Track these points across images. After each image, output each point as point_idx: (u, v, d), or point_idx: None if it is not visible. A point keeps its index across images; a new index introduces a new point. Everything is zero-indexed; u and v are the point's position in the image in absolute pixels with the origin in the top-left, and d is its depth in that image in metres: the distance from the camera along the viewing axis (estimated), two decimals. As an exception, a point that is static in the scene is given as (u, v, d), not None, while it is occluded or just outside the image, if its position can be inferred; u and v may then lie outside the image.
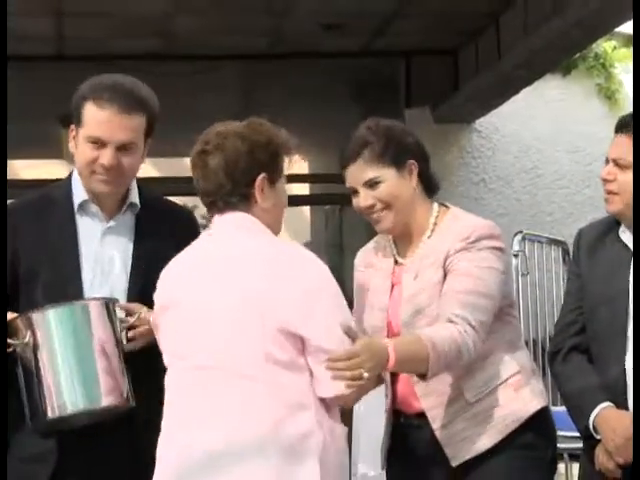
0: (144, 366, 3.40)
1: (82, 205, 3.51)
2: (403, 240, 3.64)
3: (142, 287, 3.48)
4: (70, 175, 3.58)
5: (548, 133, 10.58)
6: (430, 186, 3.65)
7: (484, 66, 9.27)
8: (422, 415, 3.54)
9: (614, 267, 3.50)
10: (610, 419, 3.40)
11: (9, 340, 3.30)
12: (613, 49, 10.96)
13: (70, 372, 3.34)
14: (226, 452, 3.13)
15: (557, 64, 9.47)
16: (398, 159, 3.54)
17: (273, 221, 3.42)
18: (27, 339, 3.31)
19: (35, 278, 3.46)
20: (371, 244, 3.80)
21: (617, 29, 8.67)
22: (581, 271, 3.60)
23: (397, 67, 10.29)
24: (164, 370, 3.31)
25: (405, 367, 3.34)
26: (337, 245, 11.81)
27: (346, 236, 11.78)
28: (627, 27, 8.78)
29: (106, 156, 3.40)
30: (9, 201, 3.62)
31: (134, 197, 3.56)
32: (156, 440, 3.20)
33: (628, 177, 3.40)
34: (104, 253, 3.51)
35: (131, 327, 3.43)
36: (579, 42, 8.52)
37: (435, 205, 3.63)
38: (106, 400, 3.35)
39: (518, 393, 3.48)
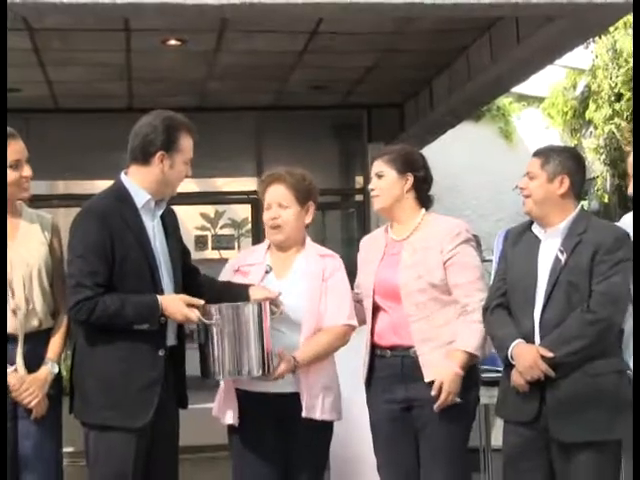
0: None
1: (144, 204, 3.38)
2: (397, 226, 3.66)
3: (182, 263, 3.51)
4: (121, 184, 3.40)
5: (465, 162, 10.60)
6: (422, 199, 3.68)
7: (421, 115, 9.26)
8: (394, 348, 3.54)
9: (529, 249, 3.52)
10: (521, 349, 3.39)
11: (201, 318, 3.23)
12: (510, 103, 10.95)
13: (247, 347, 3.26)
14: None
15: (472, 113, 9.53)
16: (401, 168, 3.59)
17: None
18: (214, 321, 3.23)
19: (126, 257, 3.27)
20: (375, 231, 3.82)
21: (512, 90, 8.76)
22: (507, 255, 3.62)
23: (362, 116, 10.27)
24: None
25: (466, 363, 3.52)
26: (320, 240, 11.86)
27: (327, 233, 11.81)
28: (517, 88, 8.88)
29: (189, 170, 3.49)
30: (87, 202, 3.40)
31: None
32: None
33: (535, 184, 3.46)
34: (156, 239, 3.39)
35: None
36: (486, 99, 8.59)
37: (423, 210, 3.67)
38: (260, 372, 3.30)
39: None
